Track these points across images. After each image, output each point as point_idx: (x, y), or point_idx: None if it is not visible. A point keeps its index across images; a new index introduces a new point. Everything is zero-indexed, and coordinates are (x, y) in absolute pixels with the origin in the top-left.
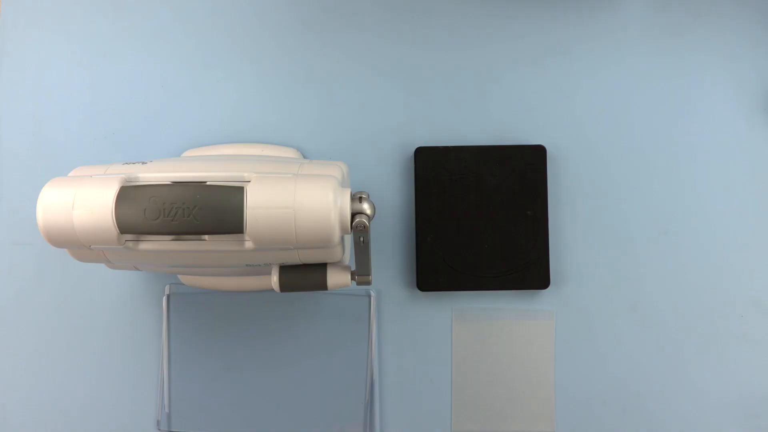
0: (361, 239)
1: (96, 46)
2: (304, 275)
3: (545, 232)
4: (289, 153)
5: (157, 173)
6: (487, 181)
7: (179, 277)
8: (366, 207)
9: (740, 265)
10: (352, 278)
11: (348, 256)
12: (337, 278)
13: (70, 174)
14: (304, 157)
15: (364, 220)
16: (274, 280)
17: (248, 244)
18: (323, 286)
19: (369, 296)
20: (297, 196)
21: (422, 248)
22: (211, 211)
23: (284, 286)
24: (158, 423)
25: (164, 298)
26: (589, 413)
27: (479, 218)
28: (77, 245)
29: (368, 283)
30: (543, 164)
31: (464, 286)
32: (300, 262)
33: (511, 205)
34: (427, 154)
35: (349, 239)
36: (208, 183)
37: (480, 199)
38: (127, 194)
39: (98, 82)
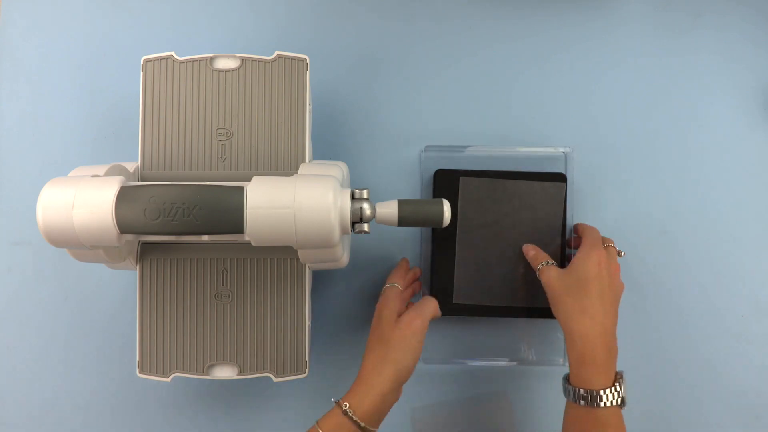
0: None
1: (95, 46)
2: (424, 209)
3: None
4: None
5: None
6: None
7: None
8: (366, 207)
9: (740, 265)
10: None
11: (348, 256)
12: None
13: (70, 174)
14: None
15: (365, 227)
16: (393, 214)
17: None
18: (439, 223)
19: None
20: (297, 197)
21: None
22: (211, 211)
23: (402, 221)
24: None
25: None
26: None
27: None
28: (77, 245)
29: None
30: (562, 197)
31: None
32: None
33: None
34: (444, 177)
35: (348, 239)
36: (208, 183)
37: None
38: (127, 194)
39: (98, 82)
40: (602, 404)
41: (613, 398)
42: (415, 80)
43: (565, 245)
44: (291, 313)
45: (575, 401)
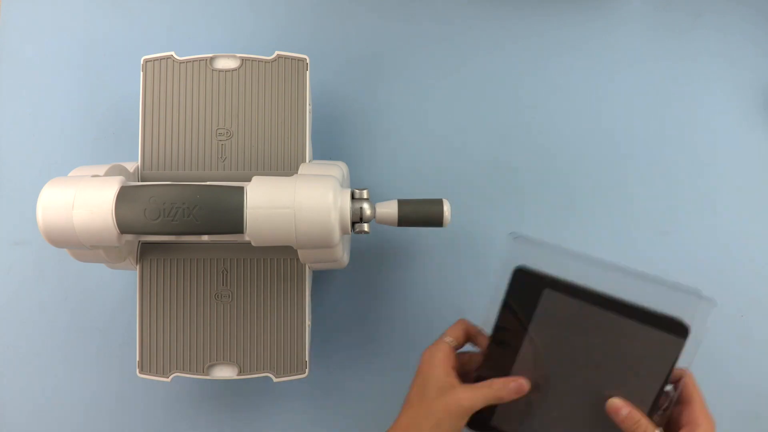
0: None
1: (95, 46)
2: (424, 209)
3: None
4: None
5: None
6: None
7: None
8: (366, 207)
9: (740, 265)
10: None
11: (348, 256)
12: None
13: (70, 174)
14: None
15: (365, 227)
16: (393, 214)
17: None
18: (440, 223)
19: None
20: (297, 197)
21: None
22: (211, 211)
23: (402, 221)
24: None
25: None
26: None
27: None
28: (77, 245)
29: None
30: (674, 356)
31: None
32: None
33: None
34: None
35: (348, 239)
36: (208, 183)
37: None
38: (127, 194)
39: (98, 82)
40: None
41: None
42: (415, 80)
43: (656, 408)
44: (291, 313)
45: None
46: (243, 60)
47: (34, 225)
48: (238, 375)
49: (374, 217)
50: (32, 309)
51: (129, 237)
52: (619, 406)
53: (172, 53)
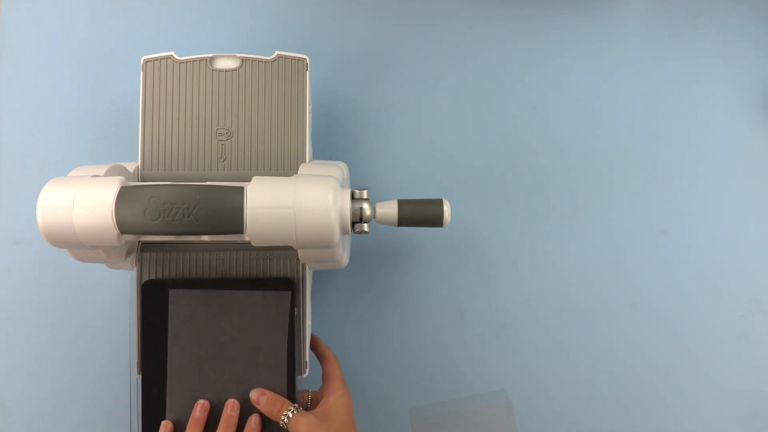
0: None
1: (95, 46)
2: (424, 209)
3: None
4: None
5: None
6: None
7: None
8: (366, 207)
9: (740, 265)
10: None
11: (348, 256)
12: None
13: (70, 174)
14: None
15: (365, 227)
16: (393, 214)
17: None
18: (440, 222)
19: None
20: (297, 197)
21: None
22: (211, 211)
23: (402, 221)
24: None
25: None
26: (589, 413)
27: None
28: (77, 245)
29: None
30: (286, 309)
31: None
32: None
33: None
34: None
35: (348, 239)
36: (208, 183)
37: None
38: (127, 194)
39: (98, 82)
40: None
41: None
42: (415, 80)
43: (295, 369)
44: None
45: None
46: (243, 60)
47: (34, 225)
48: None
49: (374, 217)
50: (32, 309)
51: (129, 237)
52: (256, 397)
53: (172, 53)
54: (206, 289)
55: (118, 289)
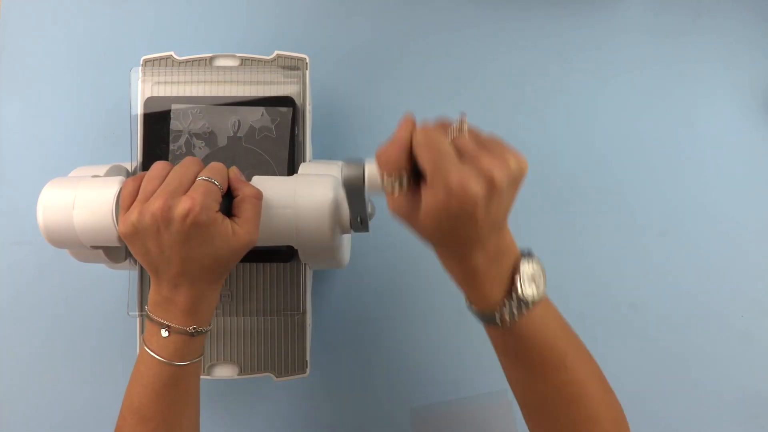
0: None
1: (96, 46)
2: None
3: None
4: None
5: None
6: None
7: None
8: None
9: (740, 265)
10: None
11: (348, 256)
12: None
13: (70, 174)
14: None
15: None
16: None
17: None
18: None
19: None
20: (297, 196)
21: None
22: None
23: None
24: None
25: None
26: None
27: None
28: (77, 245)
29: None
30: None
31: None
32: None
33: None
34: None
35: (349, 239)
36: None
37: None
38: None
39: (98, 82)
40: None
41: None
42: (415, 80)
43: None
44: (291, 313)
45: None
46: (243, 59)
47: (34, 225)
48: (238, 375)
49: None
50: (32, 309)
51: None
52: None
53: (172, 53)
54: (209, 105)
55: (118, 289)
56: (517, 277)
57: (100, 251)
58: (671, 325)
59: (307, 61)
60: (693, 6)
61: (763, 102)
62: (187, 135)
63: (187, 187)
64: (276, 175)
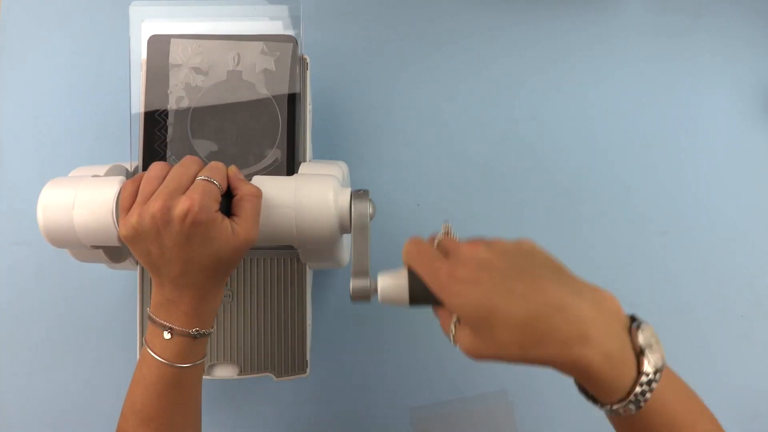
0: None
1: (96, 45)
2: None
3: None
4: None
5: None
6: None
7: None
8: (366, 206)
9: (740, 265)
10: None
11: (348, 256)
12: None
13: (70, 174)
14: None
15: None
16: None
17: None
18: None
19: None
20: (297, 196)
21: None
22: None
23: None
24: None
25: None
26: (589, 413)
27: None
28: (77, 245)
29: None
30: (288, 59)
31: None
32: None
33: None
34: None
35: (349, 238)
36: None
37: None
38: None
39: (98, 82)
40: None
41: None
42: (415, 81)
43: (297, 131)
44: (291, 313)
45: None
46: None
47: (34, 225)
48: (238, 375)
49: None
50: (32, 309)
51: None
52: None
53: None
54: (209, 39)
55: (118, 289)
56: (643, 357)
57: (100, 251)
58: (671, 324)
59: (308, 61)
60: (693, 6)
61: (763, 102)
62: (186, 69)
63: (186, 187)
64: (275, 109)
